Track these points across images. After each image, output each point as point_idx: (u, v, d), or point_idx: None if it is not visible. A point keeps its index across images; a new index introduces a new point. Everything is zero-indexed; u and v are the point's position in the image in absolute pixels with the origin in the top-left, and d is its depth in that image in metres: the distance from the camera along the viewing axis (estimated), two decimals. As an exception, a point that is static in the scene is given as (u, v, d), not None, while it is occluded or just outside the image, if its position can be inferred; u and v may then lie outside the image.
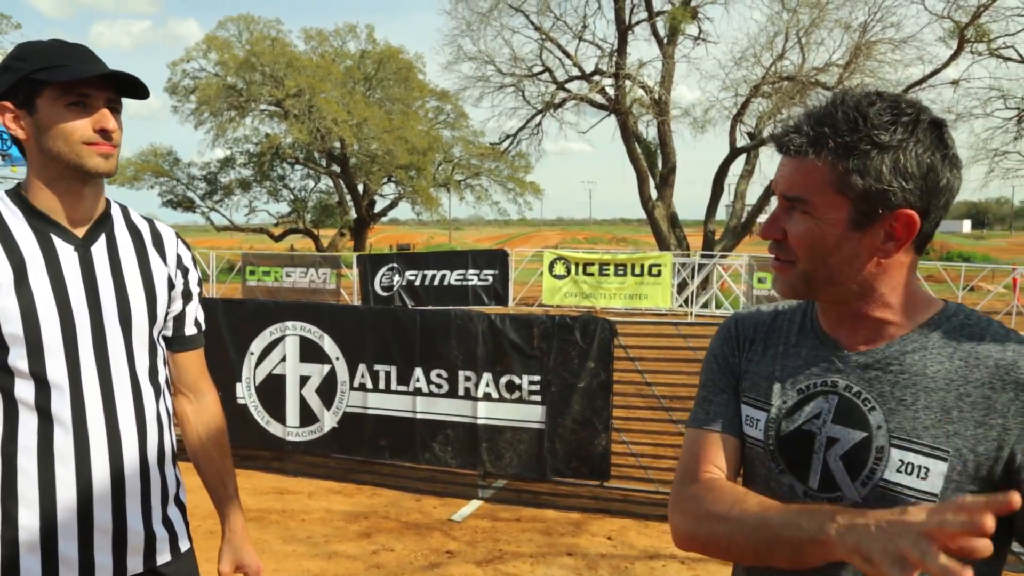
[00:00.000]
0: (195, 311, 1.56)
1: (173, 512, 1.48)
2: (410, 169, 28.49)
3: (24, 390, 1.27)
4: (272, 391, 5.00)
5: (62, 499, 1.30)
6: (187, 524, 1.54)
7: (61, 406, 1.29)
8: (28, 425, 1.28)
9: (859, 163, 0.90)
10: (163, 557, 1.44)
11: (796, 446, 1.00)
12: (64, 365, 1.29)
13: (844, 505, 0.93)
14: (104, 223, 1.40)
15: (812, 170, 0.93)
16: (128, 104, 1.40)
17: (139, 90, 1.32)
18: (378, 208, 32.10)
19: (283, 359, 4.97)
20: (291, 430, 4.99)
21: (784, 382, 1.03)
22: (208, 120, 27.29)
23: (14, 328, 1.25)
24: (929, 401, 0.92)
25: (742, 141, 18.32)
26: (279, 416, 5.00)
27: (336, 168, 29.51)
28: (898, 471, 0.92)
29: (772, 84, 17.51)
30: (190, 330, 1.55)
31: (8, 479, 1.28)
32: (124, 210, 1.47)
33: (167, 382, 1.50)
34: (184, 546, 1.50)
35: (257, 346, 5.01)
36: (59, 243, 1.32)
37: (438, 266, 13.89)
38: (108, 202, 1.43)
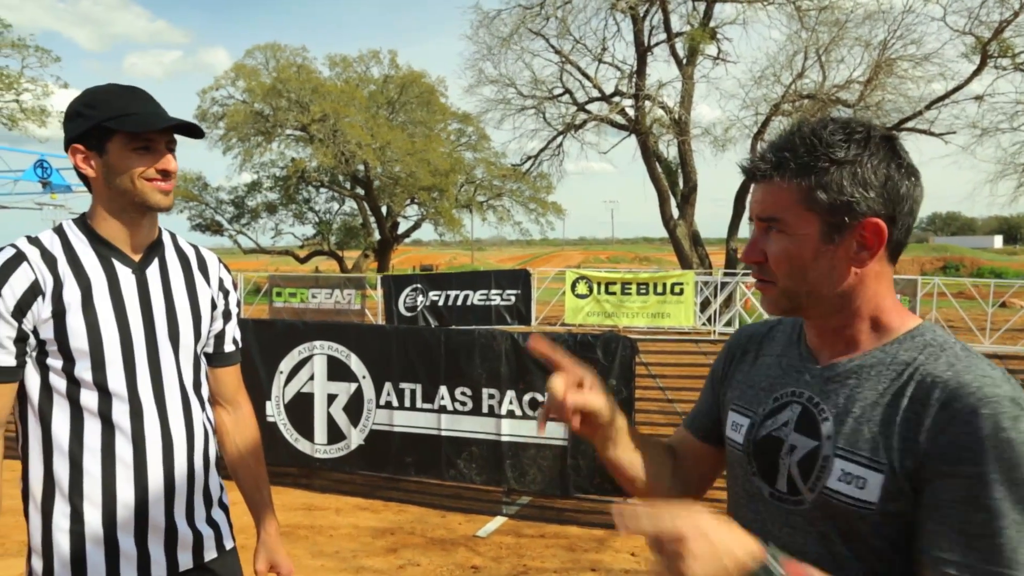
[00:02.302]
0: (233, 330, 1.70)
1: (218, 514, 1.61)
2: (433, 191, 28.85)
3: (88, 399, 1.42)
4: (301, 409, 5.12)
5: (122, 498, 1.44)
6: (231, 525, 1.66)
7: (121, 414, 1.44)
8: (92, 430, 1.42)
9: (820, 179, 0.97)
10: (210, 554, 1.56)
11: (767, 451, 1.06)
12: (123, 376, 1.44)
13: (804, 508, 1.01)
14: (157, 248, 1.55)
15: (779, 191, 1.00)
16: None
17: (194, 132, 1.49)
18: (401, 229, 32.50)
19: (311, 378, 5.09)
20: (319, 447, 5.10)
21: (766, 390, 1.10)
22: (236, 145, 27.98)
23: (80, 343, 1.40)
24: (873, 415, 0.95)
25: (763, 159, 18.30)
26: (307, 434, 5.12)
27: (360, 191, 29.99)
28: (839, 480, 0.95)
29: (792, 102, 17.52)
30: (229, 347, 1.68)
31: (75, 479, 1.42)
32: (173, 237, 1.63)
33: (208, 395, 1.63)
34: (228, 544, 1.62)
35: (286, 365, 5.14)
36: (119, 267, 1.48)
37: (461, 286, 14.03)
38: (160, 229, 1.58)
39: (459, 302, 13.85)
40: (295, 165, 27.77)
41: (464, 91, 20.97)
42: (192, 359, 1.55)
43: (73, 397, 1.41)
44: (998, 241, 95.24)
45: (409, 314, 14.16)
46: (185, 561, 1.52)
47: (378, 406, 4.94)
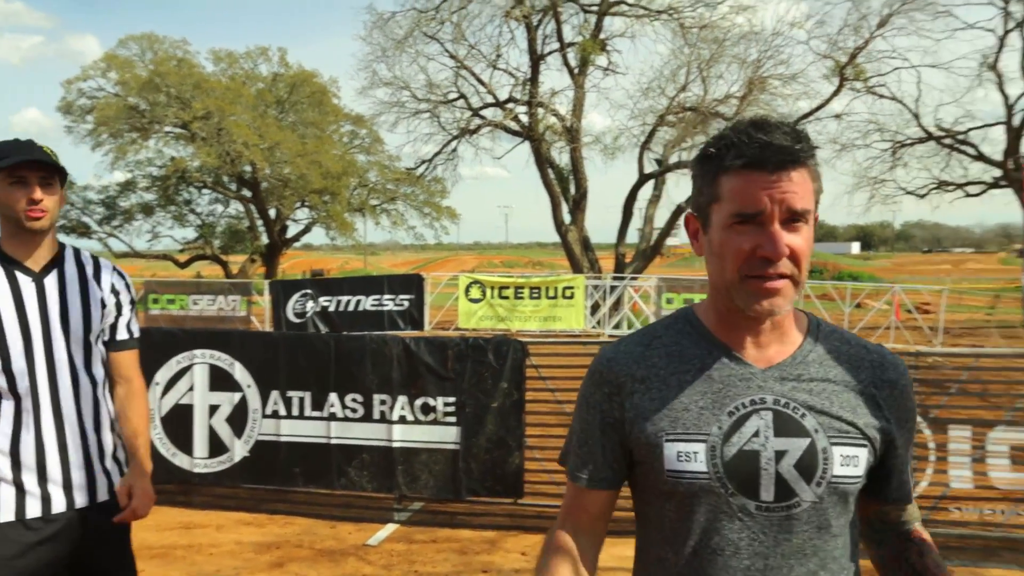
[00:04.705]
0: (127, 322, 2.10)
1: (111, 465, 2.03)
2: (324, 194, 28.04)
3: None
4: (179, 422, 4.84)
5: (25, 452, 1.89)
6: (122, 474, 2.06)
7: (24, 389, 1.89)
8: (3, 402, 1.89)
9: (818, 170, 1.03)
10: (102, 496, 1.99)
11: (743, 466, 1.02)
12: (23, 361, 1.88)
13: (800, 510, 1.02)
14: (57, 261, 1.98)
15: (805, 182, 1.00)
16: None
17: (61, 171, 1.90)
18: (291, 233, 31.36)
19: (191, 388, 4.83)
20: (199, 461, 4.84)
21: (712, 409, 1.04)
22: (107, 142, 26.01)
23: None
24: (841, 401, 1.04)
25: (650, 168, 19.16)
26: (186, 447, 4.85)
27: (247, 192, 28.69)
28: (842, 465, 1.02)
29: (676, 114, 18.43)
30: (121, 335, 2.10)
31: None
32: (76, 251, 2.06)
33: (105, 373, 2.05)
34: None
35: (163, 376, 4.85)
36: (21, 277, 1.91)
37: (353, 292, 13.74)
38: (63, 245, 2.02)
39: (351, 308, 13.56)
40: (175, 164, 26.17)
41: (357, 93, 20.60)
42: (82, 345, 1.97)
43: None
44: (856, 247, 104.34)
45: (298, 320, 13.70)
46: (81, 500, 1.95)
47: (264, 416, 4.76)
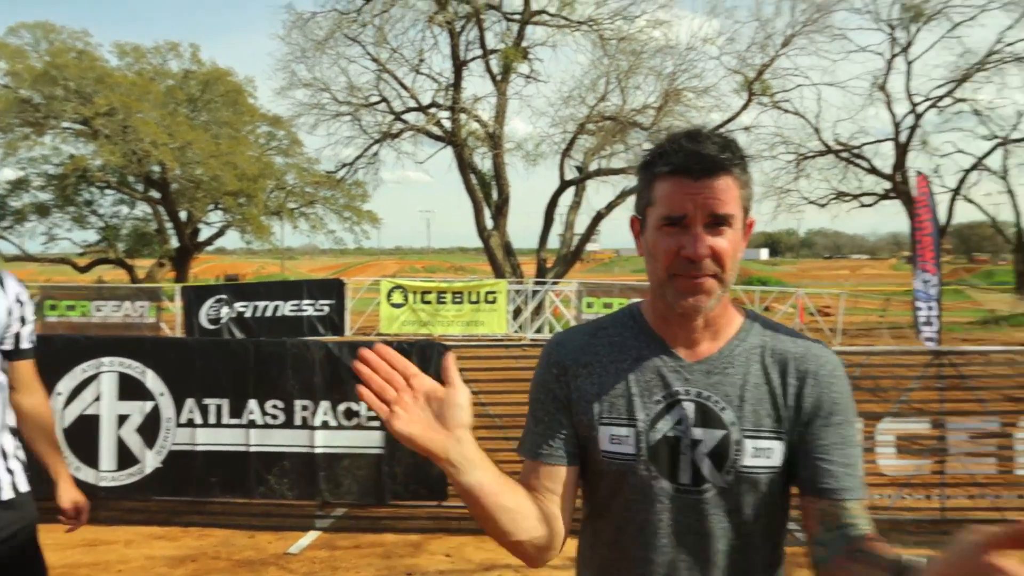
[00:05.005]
0: (29, 333, 2.10)
1: (13, 464, 2.04)
2: (239, 196, 27.13)
3: None
4: (83, 434, 4.61)
5: None
6: (26, 474, 2.06)
7: None
8: None
9: (747, 179, 1.11)
10: (8, 494, 1.99)
11: (665, 451, 1.10)
12: None
13: (711, 494, 1.09)
14: None
15: (729, 187, 1.07)
16: None
17: None
18: (203, 237, 30.13)
19: (97, 398, 4.61)
20: (106, 475, 4.62)
21: (642, 397, 1.12)
22: (-4, 137, 24.26)
23: None
24: (759, 395, 1.11)
25: (571, 175, 19.55)
26: (91, 460, 4.62)
27: (155, 194, 27.39)
28: (753, 457, 1.09)
29: (596, 123, 18.90)
30: (24, 345, 2.10)
31: None
32: None
33: (7, 381, 2.04)
34: (23, 488, 2.03)
35: (65, 386, 4.61)
36: None
37: (271, 297, 13.37)
38: None
39: (269, 313, 13.19)
40: (74, 162, 24.70)
41: (275, 93, 20.02)
42: None
43: None
44: (764, 253, 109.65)
45: (212, 327, 13.21)
46: None
47: (178, 424, 4.60)
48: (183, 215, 28.09)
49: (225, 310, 13.27)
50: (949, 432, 4.62)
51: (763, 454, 1.09)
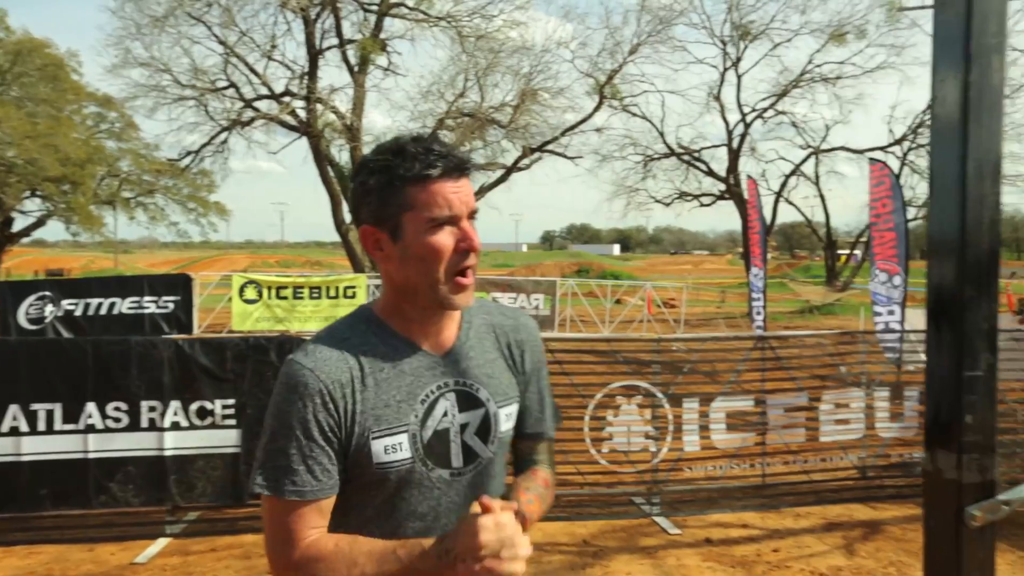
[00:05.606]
0: None
1: None
2: (63, 183, 24.54)
3: None
4: None
5: None
6: None
7: None
8: None
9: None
10: None
11: (438, 444, 1.18)
12: None
13: (481, 467, 1.22)
14: None
15: (472, 185, 1.18)
16: None
17: None
18: (18, 227, 26.96)
19: (-102, 407, 4.10)
20: (-89, 493, 4.12)
21: (408, 401, 1.16)
22: None
23: None
24: (495, 370, 1.26)
25: (430, 170, 19.50)
26: None
27: (-44, 177, 24.11)
28: (505, 422, 1.26)
29: (455, 119, 19.04)
30: None
31: None
32: None
33: None
34: None
35: None
36: None
37: (105, 293, 12.26)
38: None
39: (104, 311, 12.10)
40: None
41: (106, 71, 18.25)
42: None
43: None
44: (616, 249, 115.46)
45: (33, 327, 11.90)
46: None
47: (0, 434, 4.19)
48: (-7, 203, 24.97)
49: (50, 308, 12.02)
50: (769, 408, 5.23)
51: (510, 418, 1.26)
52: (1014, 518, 4.43)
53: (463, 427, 1.20)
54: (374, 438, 1.12)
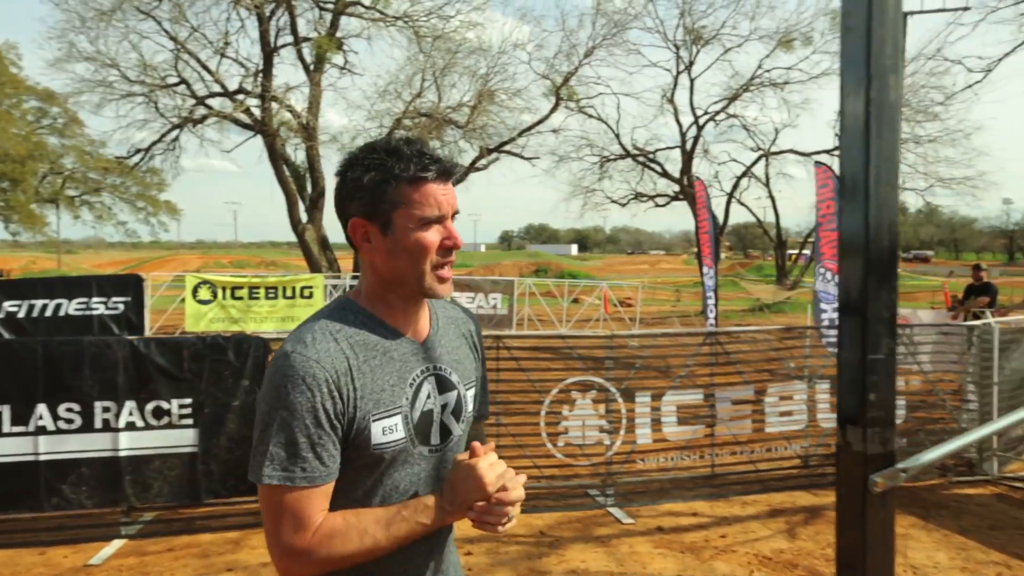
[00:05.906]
0: None
1: None
2: (1, 180, 23.67)
3: None
4: None
5: None
6: None
7: None
8: None
9: None
10: None
11: (424, 423, 1.29)
12: None
13: (452, 443, 1.35)
14: None
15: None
16: None
17: None
18: (-46, 226, 25.93)
19: None
20: None
21: (400, 384, 1.26)
22: None
23: None
24: (461, 356, 1.40)
25: (387, 170, 19.41)
26: None
27: None
28: (471, 403, 1.41)
29: (412, 118, 19.00)
30: None
31: None
32: None
33: None
34: None
35: None
36: None
37: (51, 295, 11.88)
38: None
39: (49, 313, 11.74)
40: None
41: (48, 65, 17.64)
42: None
43: None
44: (575, 249, 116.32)
45: (-26, 330, 11.48)
46: None
47: (-53, 437, 4.10)
48: (-72, 201, 23.96)
49: (-9, 310, 11.60)
50: (717, 401, 5.44)
51: (475, 399, 1.42)
52: (941, 501, 4.72)
53: (443, 408, 1.33)
54: (375, 421, 1.21)
